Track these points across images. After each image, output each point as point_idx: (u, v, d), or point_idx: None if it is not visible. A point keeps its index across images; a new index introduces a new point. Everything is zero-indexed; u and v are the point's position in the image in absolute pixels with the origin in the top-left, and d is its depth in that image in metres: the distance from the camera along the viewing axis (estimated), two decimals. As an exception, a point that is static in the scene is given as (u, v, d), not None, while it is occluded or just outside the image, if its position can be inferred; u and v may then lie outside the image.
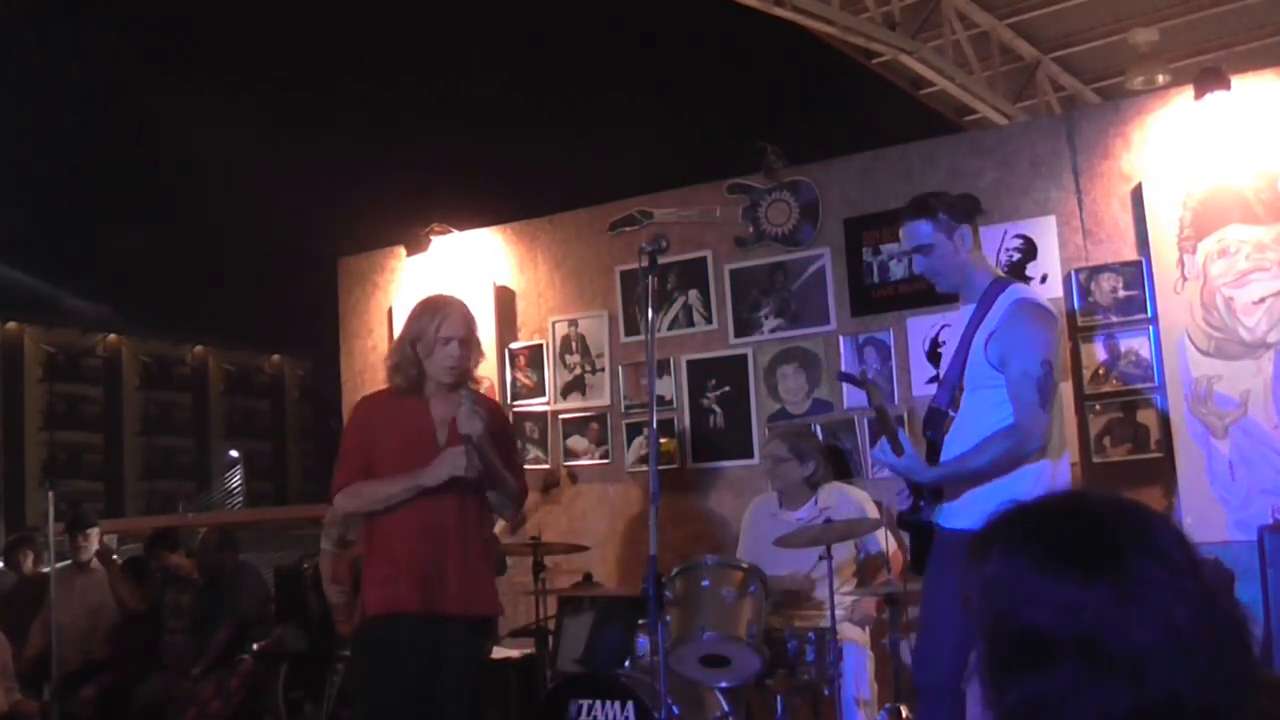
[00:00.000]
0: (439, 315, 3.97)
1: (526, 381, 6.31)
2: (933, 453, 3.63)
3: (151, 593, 6.59)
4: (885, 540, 4.79)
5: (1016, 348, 3.44)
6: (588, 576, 5.24)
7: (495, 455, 3.89)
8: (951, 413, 3.64)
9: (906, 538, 3.94)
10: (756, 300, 5.73)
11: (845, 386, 5.34)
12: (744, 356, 5.73)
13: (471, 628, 3.89)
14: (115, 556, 7.91)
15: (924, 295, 4.88)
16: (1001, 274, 3.72)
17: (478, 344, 4.06)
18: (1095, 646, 1.10)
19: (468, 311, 4.08)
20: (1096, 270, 4.99)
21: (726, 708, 4.30)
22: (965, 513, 3.46)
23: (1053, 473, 3.49)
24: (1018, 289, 3.63)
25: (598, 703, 4.20)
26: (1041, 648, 1.12)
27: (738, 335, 5.77)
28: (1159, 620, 1.10)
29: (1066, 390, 4.99)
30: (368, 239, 7.15)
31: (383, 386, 6.65)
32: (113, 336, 50.93)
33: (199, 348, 53.96)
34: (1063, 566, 1.14)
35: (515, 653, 5.55)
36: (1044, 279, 5.10)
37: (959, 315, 3.77)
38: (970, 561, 1.23)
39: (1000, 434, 3.42)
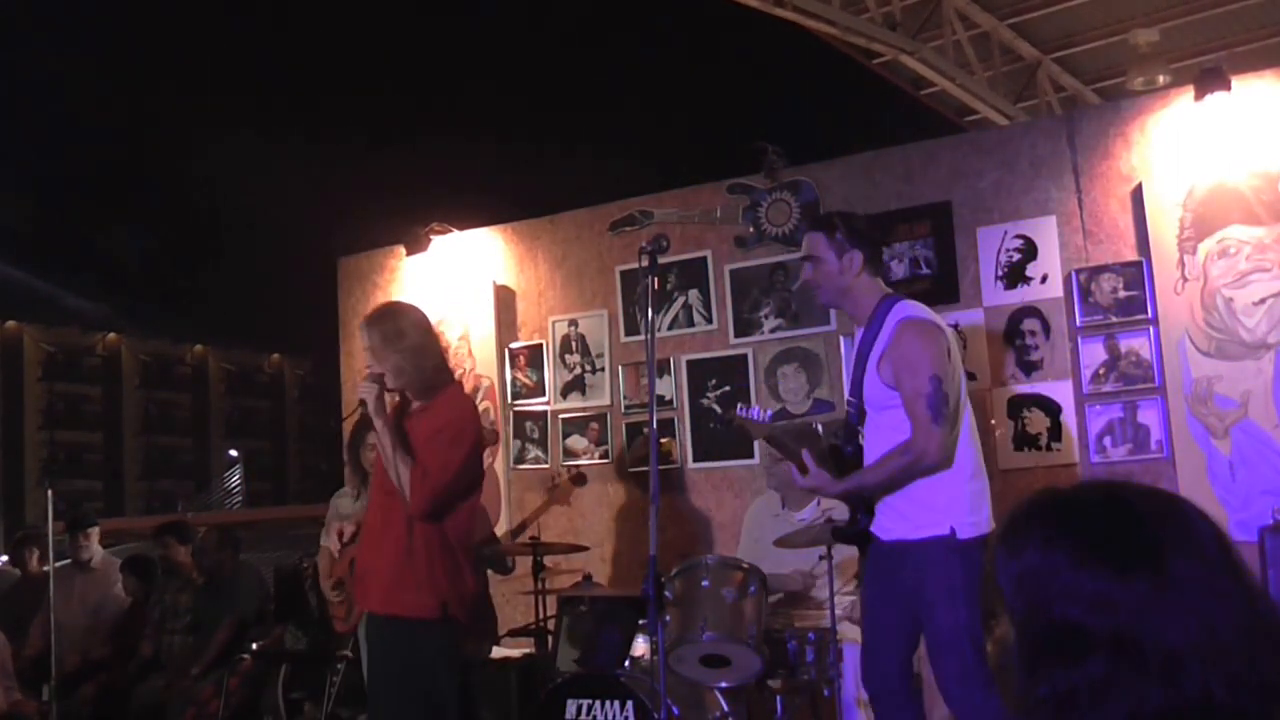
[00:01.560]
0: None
1: (526, 381, 6.31)
2: (856, 463, 3.73)
3: (148, 588, 6.59)
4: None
5: (904, 367, 3.51)
6: (588, 576, 5.24)
7: (393, 435, 3.77)
8: (860, 429, 3.74)
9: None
10: (757, 300, 5.73)
11: (845, 386, 5.34)
12: (744, 356, 5.73)
13: (390, 627, 3.80)
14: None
15: (923, 296, 4.86)
16: (889, 291, 3.76)
17: (394, 344, 3.88)
18: (1129, 643, 1.09)
19: (375, 319, 3.98)
20: (1097, 270, 4.99)
21: (726, 708, 4.30)
22: (896, 524, 3.59)
23: (954, 478, 3.53)
24: (902, 306, 3.66)
25: (597, 703, 4.19)
26: (1075, 641, 1.11)
27: (738, 335, 5.77)
28: (1194, 619, 1.09)
29: (1067, 390, 5.00)
30: (368, 239, 7.16)
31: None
32: (112, 336, 50.91)
33: (199, 347, 53.94)
34: (1100, 561, 1.13)
35: (515, 653, 5.55)
36: (1044, 279, 5.10)
37: (856, 337, 3.81)
38: (1002, 550, 1.22)
39: (896, 450, 3.52)
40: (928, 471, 3.50)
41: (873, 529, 3.68)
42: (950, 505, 3.51)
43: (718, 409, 5.78)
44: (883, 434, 3.60)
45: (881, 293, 3.74)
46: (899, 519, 3.58)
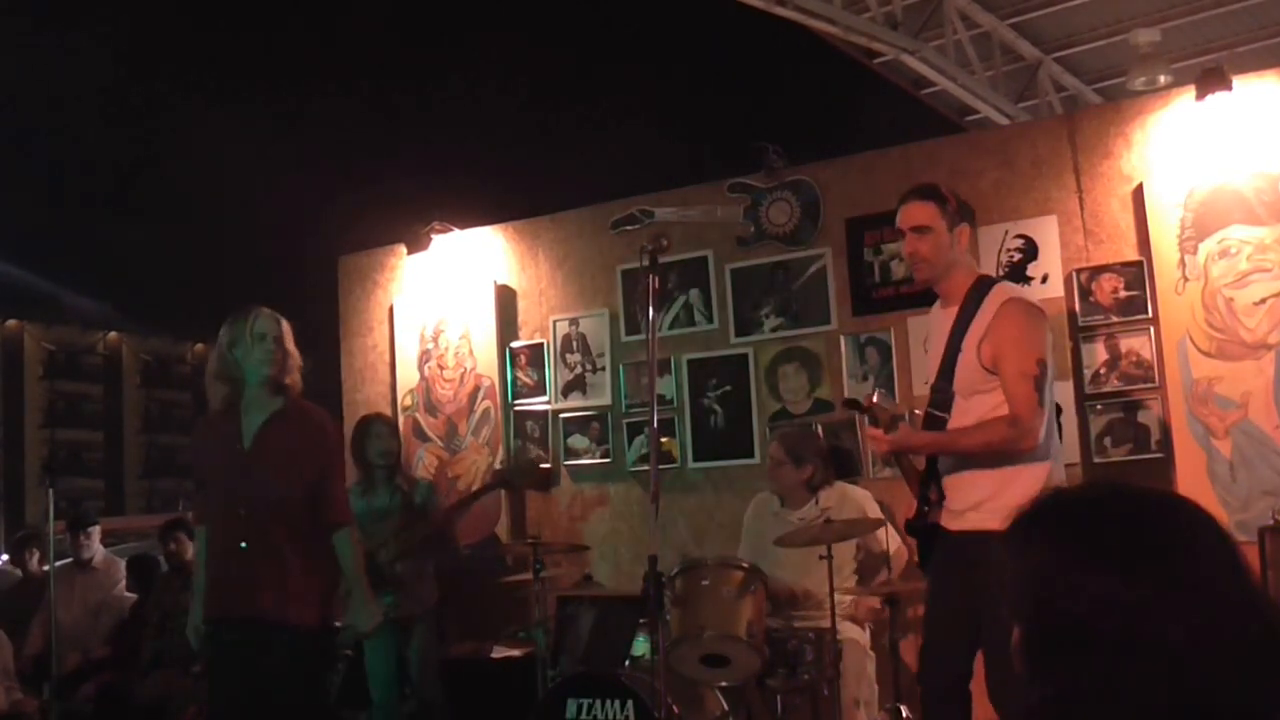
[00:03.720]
0: (250, 315, 3.97)
1: (527, 380, 6.31)
2: (931, 460, 3.61)
3: (148, 587, 6.59)
4: (887, 539, 4.79)
5: (1011, 347, 3.38)
6: (588, 576, 5.24)
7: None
8: (944, 417, 3.58)
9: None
10: (757, 300, 5.73)
11: (845, 386, 5.35)
12: (745, 356, 5.73)
13: (280, 635, 3.83)
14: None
15: (925, 295, 4.87)
16: (982, 273, 3.65)
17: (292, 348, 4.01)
18: (1134, 640, 1.10)
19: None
20: (1097, 270, 4.99)
21: (726, 707, 4.30)
22: (973, 513, 3.45)
23: (1040, 468, 3.43)
24: (1006, 287, 3.58)
25: (597, 702, 4.20)
26: (1080, 639, 1.12)
27: (739, 335, 5.77)
28: (1198, 619, 1.10)
29: (1067, 390, 5.00)
30: (368, 237, 7.14)
31: (382, 385, 6.74)
32: (113, 334, 50.89)
33: (199, 345, 53.83)
34: (1107, 559, 1.14)
35: (515, 653, 5.55)
36: (1045, 279, 5.10)
37: (934, 318, 3.70)
38: (1010, 548, 1.22)
39: (998, 420, 3.38)
40: (1022, 453, 3.34)
41: (941, 520, 3.54)
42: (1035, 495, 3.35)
43: (718, 408, 5.78)
44: (975, 420, 3.45)
45: (977, 272, 3.62)
46: (976, 507, 3.42)
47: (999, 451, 3.38)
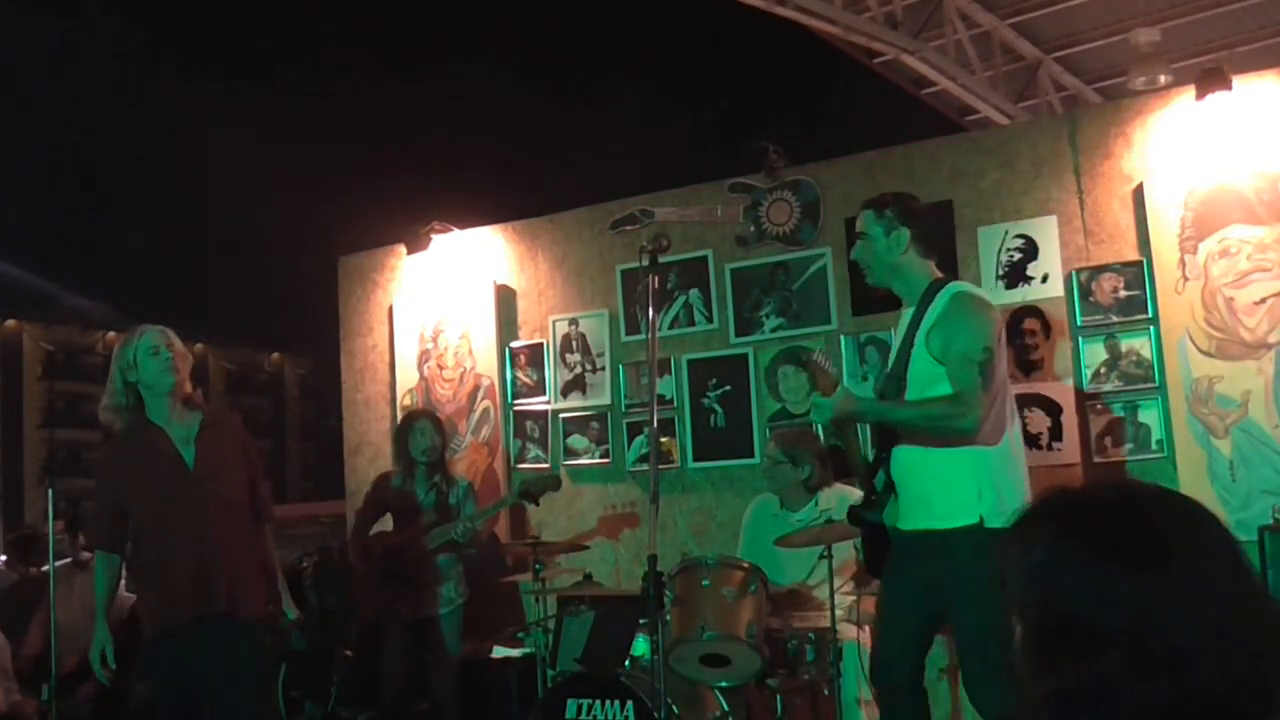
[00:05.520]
0: (137, 335, 4.02)
1: (527, 380, 6.31)
2: (880, 444, 3.67)
3: None
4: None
5: (957, 335, 3.46)
6: (588, 576, 5.24)
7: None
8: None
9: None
10: (758, 299, 5.73)
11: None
12: (745, 356, 5.73)
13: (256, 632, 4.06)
14: None
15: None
16: (941, 275, 3.72)
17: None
18: (1136, 640, 1.10)
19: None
20: (1098, 270, 4.99)
21: (726, 707, 4.30)
22: (918, 514, 3.51)
23: (991, 460, 3.46)
24: (956, 284, 3.67)
25: (597, 702, 4.19)
26: (1083, 638, 1.12)
27: (739, 334, 5.77)
28: (1201, 618, 1.10)
29: (1067, 390, 5.00)
30: (368, 237, 7.15)
31: (382, 385, 6.74)
32: (112, 334, 50.73)
33: (198, 346, 53.86)
34: (1109, 558, 1.14)
35: (515, 653, 5.55)
36: (1045, 279, 5.10)
37: (899, 319, 3.78)
38: (1013, 546, 1.22)
39: (940, 398, 3.44)
40: (961, 435, 3.38)
41: (889, 519, 3.59)
42: (983, 491, 3.38)
43: (718, 408, 5.78)
44: None
45: (935, 275, 3.69)
46: (923, 505, 3.47)
47: (943, 433, 3.42)
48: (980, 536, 3.31)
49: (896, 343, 3.72)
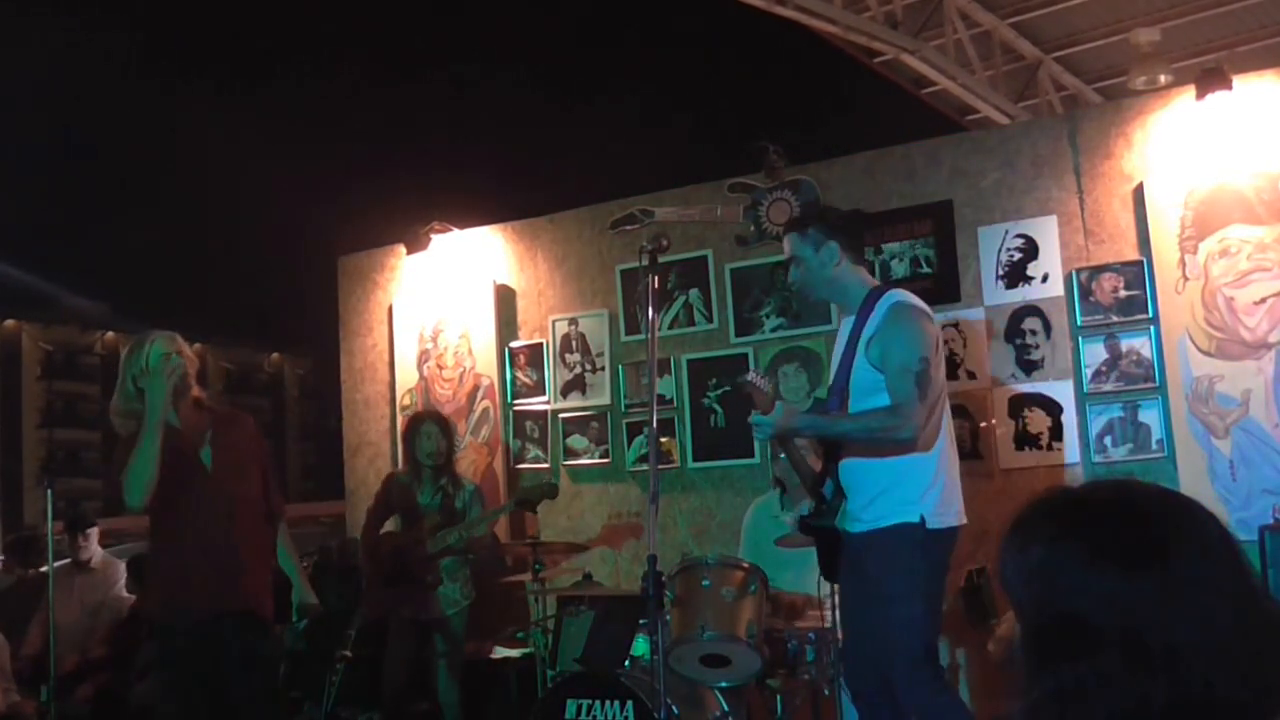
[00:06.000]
0: (147, 342, 4.04)
1: (527, 380, 6.30)
2: (830, 461, 3.70)
3: (146, 588, 6.57)
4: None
5: (894, 345, 3.50)
6: (588, 576, 5.24)
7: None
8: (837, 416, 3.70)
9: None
10: (758, 299, 5.73)
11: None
12: (745, 356, 5.72)
13: (260, 626, 4.13)
14: None
15: (924, 295, 4.85)
16: (878, 283, 3.79)
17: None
18: (1135, 639, 1.10)
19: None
20: (1098, 270, 4.99)
21: (726, 708, 4.29)
22: (865, 513, 3.56)
23: (932, 464, 3.53)
24: (895, 293, 3.68)
25: (597, 703, 4.19)
26: (1081, 637, 1.12)
27: (739, 334, 5.77)
28: (1200, 617, 1.10)
29: (1067, 390, 5.00)
30: (368, 237, 7.15)
31: (382, 385, 6.74)
32: (111, 334, 50.82)
33: (198, 345, 53.74)
34: (1108, 558, 1.14)
35: (515, 653, 5.55)
36: (1045, 278, 5.09)
37: (840, 330, 3.81)
38: (1011, 546, 1.22)
39: (877, 410, 3.50)
40: (900, 445, 3.46)
41: (840, 524, 3.65)
42: (924, 493, 3.48)
43: (718, 408, 5.78)
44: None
45: (871, 283, 3.75)
46: (868, 508, 3.55)
47: (883, 444, 3.49)
48: (919, 534, 3.44)
49: (838, 354, 3.75)
